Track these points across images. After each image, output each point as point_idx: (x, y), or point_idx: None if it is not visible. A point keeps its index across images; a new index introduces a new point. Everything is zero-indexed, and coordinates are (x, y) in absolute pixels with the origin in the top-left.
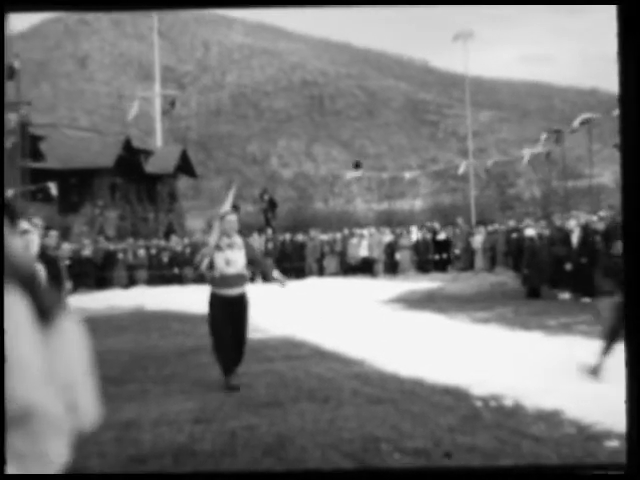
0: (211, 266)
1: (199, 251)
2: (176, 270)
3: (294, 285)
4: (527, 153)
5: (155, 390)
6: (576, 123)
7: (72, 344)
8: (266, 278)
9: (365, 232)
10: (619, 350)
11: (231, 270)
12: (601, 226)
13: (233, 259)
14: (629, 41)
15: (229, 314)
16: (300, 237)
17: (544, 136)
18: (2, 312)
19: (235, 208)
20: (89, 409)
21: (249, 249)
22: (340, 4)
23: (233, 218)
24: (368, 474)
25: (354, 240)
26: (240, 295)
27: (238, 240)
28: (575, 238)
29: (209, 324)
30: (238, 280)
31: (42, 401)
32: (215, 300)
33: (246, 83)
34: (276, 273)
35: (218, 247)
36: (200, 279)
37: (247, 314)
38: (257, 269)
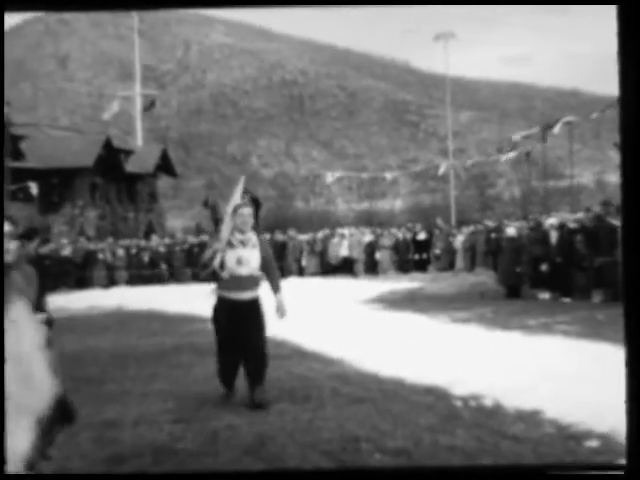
0: (221, 265)
1: (208, 246)
2: (163, 266)
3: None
4: (507, 154)
5: (135, 390)
6: (557, 128)
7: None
8: (272, 289)
9: (346, 232)
10: (597, 352)
11: (243, 270)
12: (578, 226)
13: (246, 258)
14: (629, 41)
15: (239, 321)
16: (280, 237)
17: (524, 134)
18: (2, 314)
19: (256, 202)
20: (46, 381)
21: (264, 249)
22: (328, 4)
23: (247, 211)
24: (353, 473)
25: (335, 240)
26: (253, 299)
27: (252, 237)
28: (553, 238)
29: (214, 332)
30: (251, 282)
31: None
32: (222, 305)
33: (226, 82)
34: (280, 296)
35: (229, 243)
36: (176, 278)
37: (263, 321)
38: (265, 275)
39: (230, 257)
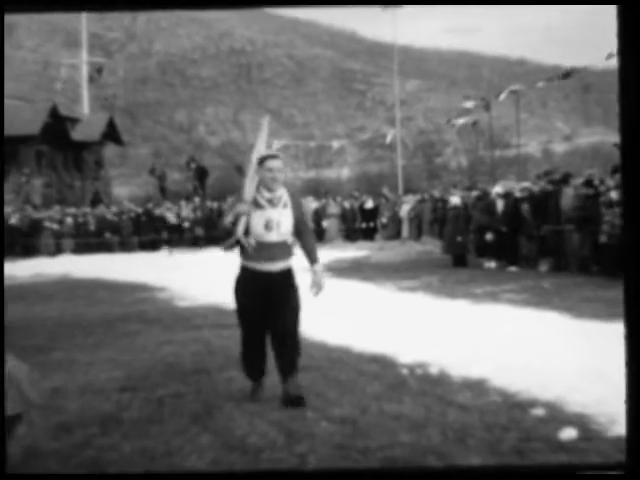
0: (245, 230)
1: (228, 208)
2: (107, 235)
3: (221, 253)
4: (456, 122)
5: (81, 358)
6: (503, 96)
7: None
8: (308, 258)
9: None
10: (543, 320)
11: (272, 236)
12: (525, 195)
13: (276, 221)
14: (629, 41)
15: (268, 298)
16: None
17: (470, 104)
18: (2, 313)
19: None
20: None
21: (297, 208)
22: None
23: (277, 164)
24: (352, 474)
25: None
26: (284, 271)
27: (284, 195)
28: (499, 207)
29: (237, 311)
30: (281, 250)
31: None
32: (247, 278)
33: (173, 51)
34: (317, 267)
35: (255, 203)
36: (123, 246)
37: (297, 298)
38: (299, 241)
39: (257, 220)
